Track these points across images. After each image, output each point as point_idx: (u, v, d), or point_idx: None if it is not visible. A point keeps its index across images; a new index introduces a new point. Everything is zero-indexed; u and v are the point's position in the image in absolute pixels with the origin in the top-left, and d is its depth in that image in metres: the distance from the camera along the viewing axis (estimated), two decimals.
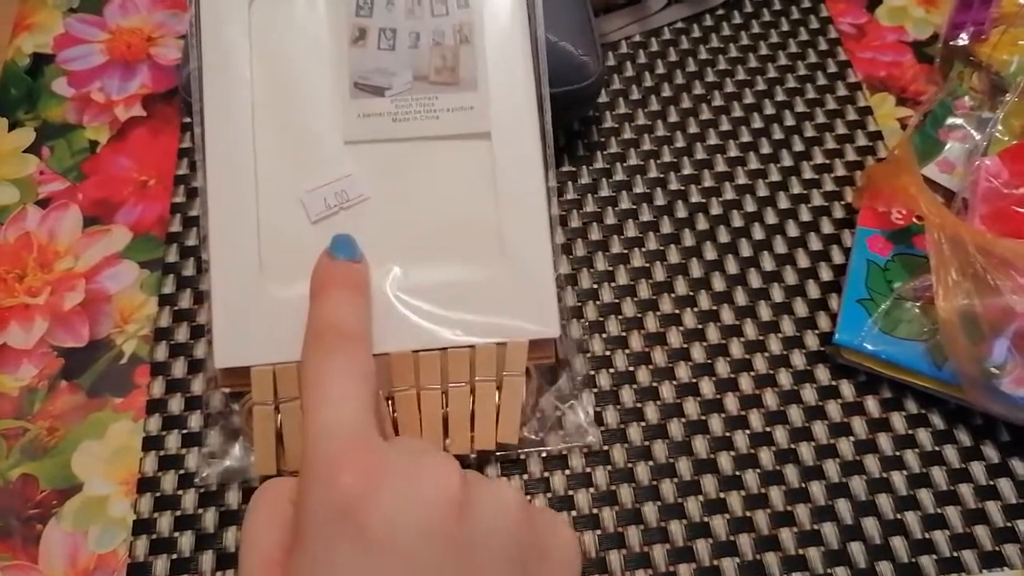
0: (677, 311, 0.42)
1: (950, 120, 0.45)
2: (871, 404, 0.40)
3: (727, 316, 0.42)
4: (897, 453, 0.39)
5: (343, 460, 0.24)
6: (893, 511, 0.37)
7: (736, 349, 0.41)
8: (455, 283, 0.36)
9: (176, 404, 0.39)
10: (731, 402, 0.40)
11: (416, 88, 0.37)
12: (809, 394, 0.40)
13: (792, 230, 0.45)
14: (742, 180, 0.47)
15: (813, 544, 0.36)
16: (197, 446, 0.38)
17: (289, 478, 0.27)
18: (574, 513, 0.37)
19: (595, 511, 0.37)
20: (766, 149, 0.48)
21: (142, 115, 0.48)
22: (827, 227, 0.45)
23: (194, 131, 0.37)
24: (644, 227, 0.45)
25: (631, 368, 0.41)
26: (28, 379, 0.40)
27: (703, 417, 0.39)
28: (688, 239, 0.45)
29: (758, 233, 0.45)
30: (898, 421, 0.39)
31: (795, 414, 0.40)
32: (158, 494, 0.37)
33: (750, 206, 0.46)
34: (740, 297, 0.43)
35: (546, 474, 0.38)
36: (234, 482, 0.37)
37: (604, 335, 0.41)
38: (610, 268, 0.43)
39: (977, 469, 0.38)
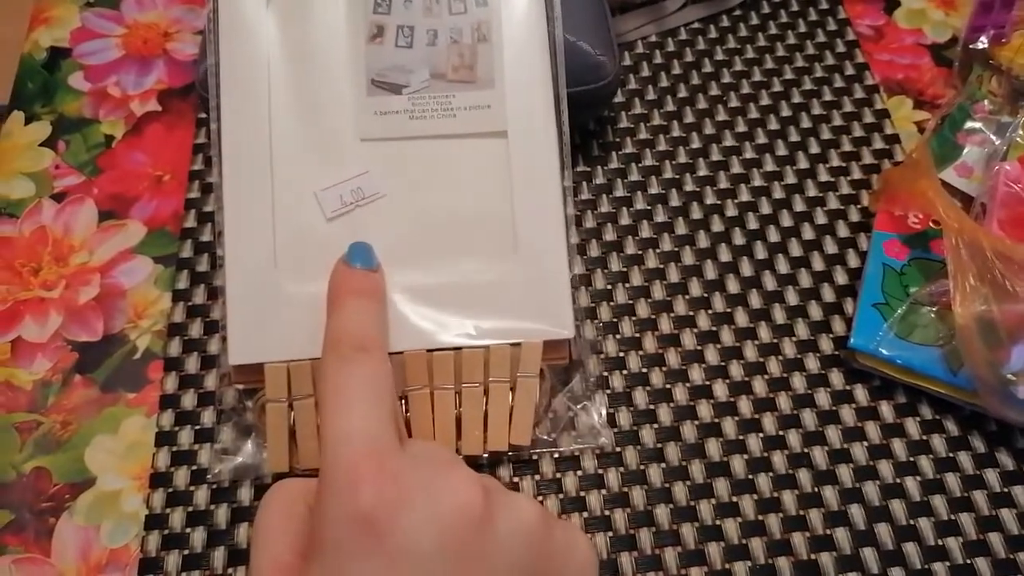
0: (691, 313, 0.42)
1: (968, 124, 0.45)
2: (885, 409, 0.40)
3: (741, 319, 0.42)
4: (911, 459, 0.38)
5: (363, 471, 0.24)
6: (906, 517, 0.37)
7: (750, 352, 0.41)
8: (470, 282, 0.36)
9: (189, 400, 0.39)
10: (745, 405, 0.40)
11: (433, 86, 0.37)
12: (823, 398, 0.40)
13: (808, 233, 0.45)
14: (758, 182, 0.46)
15: (825, 549, 0.36)
16: (210, 442, 0.38)
17: (302, 479, 0.27)
18: (586, 515, 0.37)
19: (607, 513, 0.37)
20: (782, 151, 0.48)
21: (157, 110, 0.48)
22: (843, 230, 0.45)
23: (210, 127, 0.37)
24: (659, 228, 0.45)
25: (645, 370, 0.40)
26: (42, 373, 0.40)
27: (716, 420, 0.39)
28: (703, 241, 0.44)
29: (773, 236, 0.45)
30: (912, 427, 0.39)
31: (809, 418, 0.39)
32: (171, 489, 0.37)
33: (765, 208, 0.45)
34: (755, 300, 0.43)
35: (558, 475, 0.38)
36: (247, 479, 0.37)
37: (618, 336, 0.41)
38: (624, 269, 0.43)
39: (991, 476, 0.38)
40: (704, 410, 0.39)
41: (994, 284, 0.37)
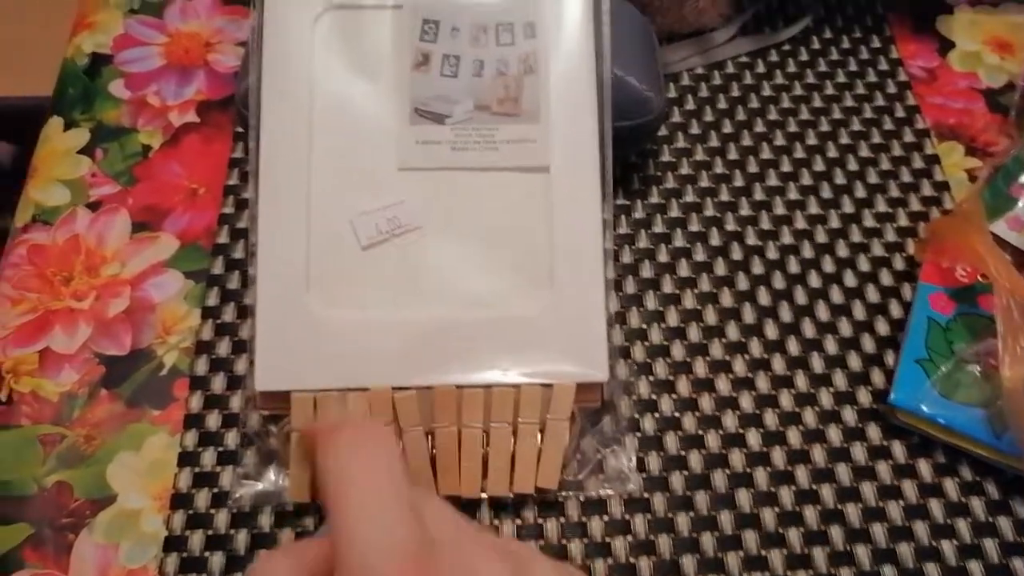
0: (727, 357, 0.41)
1: None
2: (924, 468, 0.39)
3: (778, 365, 0.41)
4: (948, 521, 0.37)
5: None
6: None
7: (786, 400, 0.40)
8: (504, 319, 0.35)
9: (214, 420, 0.39)
10: (778, 456, 0.39)
11: (477, 117, 0.37)
12: (859, 452, 0.39)
13: (850, 280, 0.44)
14: (801, 224, 0.45)
15: None
16: (232, 464, 0.37)
17: (289, 563, 0.25)
18: (610, 561, 0.36)
19: (632, 560, 0.36)
20: (827, 194, 0.46)
21: (196, 122, 0.48)
22: (886, 279, 0.44)
23: (249, 145, 0.37)
24: (698, 267, 0.44)
25: (677, 414, 0.40)
26: (69, 385, 0.40)
27: (748, 470, 0.38)
28: (742, 283, 0.43)
29: (814, 281, 0.44)
30: (951, 488, 0.38)
31: (843, 473, 0.38)
32: (191, 511, 0.37)
33: (807, 252, 0.44)
34: (792, 347, 0.42)
35: (584, 519, 0.37)
36: (268, 505, 0.36)
37: (651, 378, 0.40)
38: (661, 308, 0.42)
39: None
40: (736, 459, 0.38)
41: None
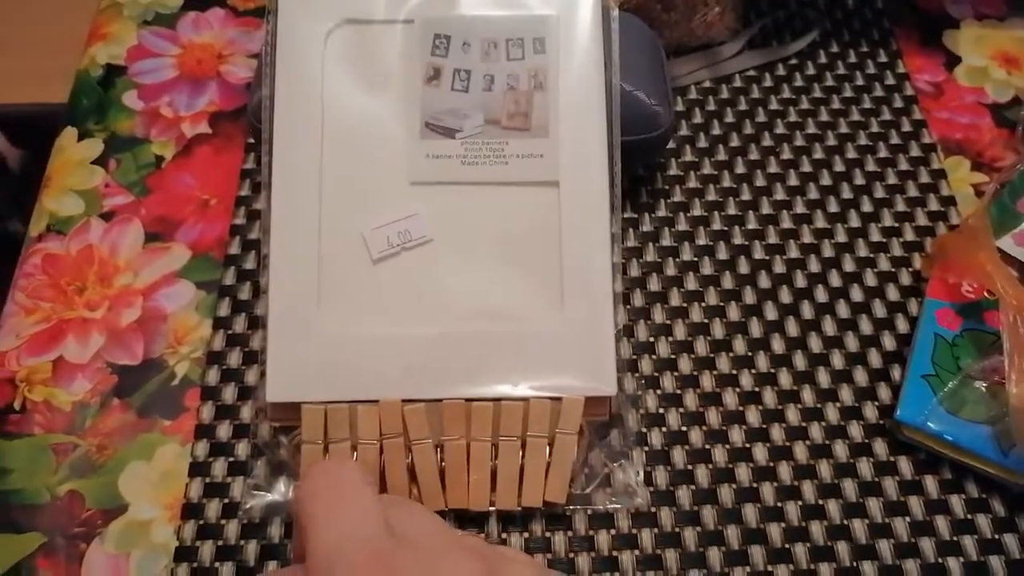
0: (734, 371, 0.41)
1: None
2: (930, 484, 0.39)
3: (785, 380, 0.41)
4: (955, 538, 0.37)
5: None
6: None
7: (792, 415, 0.40)
8: (512, 333, 0.36)
9: (224, 431, 0.39)
10: (784, 471, 0.39)
11: (487, 132, 0.37)
12: (865, 468, 0.39)
13: (856, 294, 0.44)
14: (807, 239, 0.46)
15: None
16: (243, 475, 0.38)
17: None
18: (617, 575, 0.36)
19: (639, 574, 0.36)
20: (833, 208, 0.47)
21: (208, 133, 0.49)
22: (893, 294, 0.44)
23: (262, 159, 0.37)
24: (705, 281, 0.44)
25: (684, 428, 0.40)
26: (81, 394, 0.40)
27: (755, 484, 0.38)
28: (749, 297, 0.44)
29: (821, 295, 0.44)
30: (957, 504, 0.38)
31: (850, 488, 0.38)
32: (201, 522, 0.37)
33: (814, 266, 0.45)
34: (799, 361, 0.42)
35: (591, 532, 0.37)
36: (278, 516, 0.37)
37: (659, 391, 0.41)
38: (668, 321, 0.43)
39: None
40: (743, 473, 0.39)
41: None
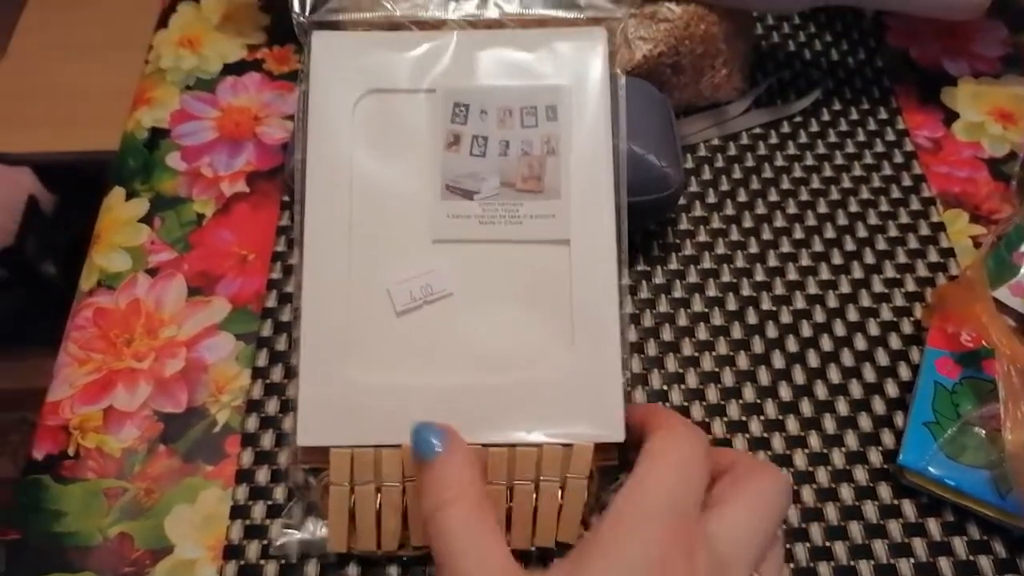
0: (744, 417, 0.43)
1: None
2: (933, 526, 0.40)
3: (792, 426, 0.43)
4: None
5: None
6: None
7: (800, 460, 0.42)
8: (526, 382, 0.37)
9: (263, 475, 0.41)
10: (792, 514, 0.41)
11: (503, 194, 0.39)
12: (871, 511, 0.41)
13: (860, 343, 0.46)
14: (813, 290, 0.48)
15: None
16: (279, 517, 0.40)
17: None
18: None
19: None
20: (837, 260, 0.49)
21: (245, 191, 0.52)
22: (895, 343, 0.46)
23: (295, 218, 0.40)
24: (715, 331, 0.46)
25: None
26: (130, 441, 0.43)
27: None
28: (758, 346, 0.46)
29: (826, 344, 0.46)
30: (960, 546, 0.40)
31: (856, 530, 0.40)
32: (242, 562, 0.39)
33: (819, 316, 0.47)
34: (806, 408, 0.44)
35: None
36: (308, 555, 0.39)
37: None
38: (680, 370, 0.45)
39: None
40: None
41: None
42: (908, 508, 0.41)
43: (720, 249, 0.50)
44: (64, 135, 1.10)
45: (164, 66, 0.58)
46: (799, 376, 0.45)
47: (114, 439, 0.43)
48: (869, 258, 0.49)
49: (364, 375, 0.38)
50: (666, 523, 0.28)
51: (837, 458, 0.42)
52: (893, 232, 0.50)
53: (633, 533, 0.28)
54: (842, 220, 0.51)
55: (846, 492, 0.41)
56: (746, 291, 0.48)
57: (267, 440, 0.43)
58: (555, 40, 0.40)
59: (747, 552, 0.29)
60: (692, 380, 0.45)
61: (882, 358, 0.45)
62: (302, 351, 0.38)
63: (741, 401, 0.44)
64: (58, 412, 0.43)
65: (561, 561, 0.29)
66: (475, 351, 0.38)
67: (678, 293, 0.48)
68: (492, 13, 0.41)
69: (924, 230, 0.50)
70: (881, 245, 0.50)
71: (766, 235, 0.50)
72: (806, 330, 0.46)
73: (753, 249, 0.50)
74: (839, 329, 0.47)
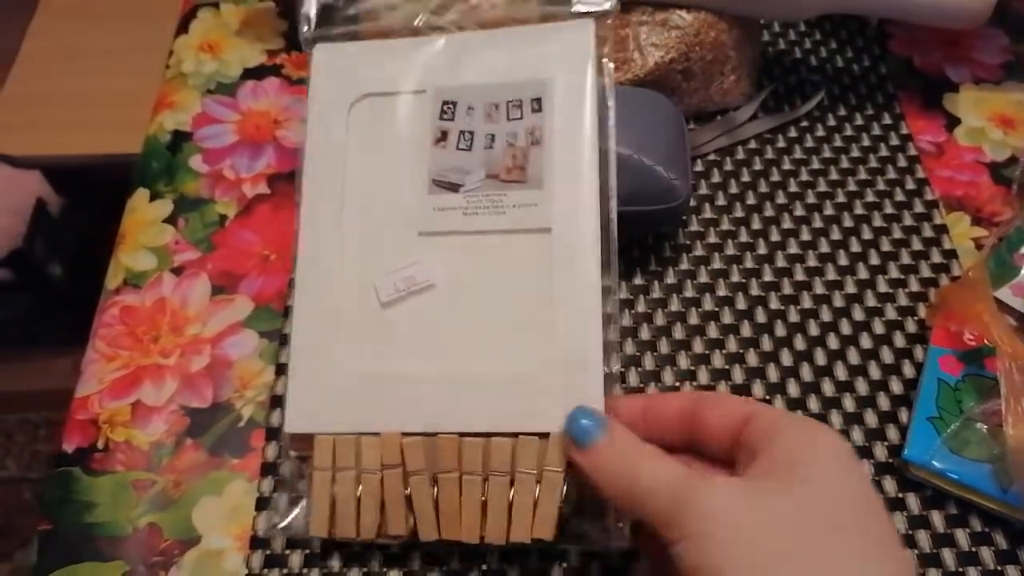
0: None
1: None
2: (936, 519, 0.42)
3: None
4: (960, 569, 0.40)
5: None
6: None
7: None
8: (506, 372, 0.37)
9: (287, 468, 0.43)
10: None
11: (487, 185, 0.39)
12: None
13: (865, 342, 0.47)
14: (819, 290, 0.49)
15: None
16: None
17: None
18: None
19: None
20: (843, 261, 0.50)
21: (266, 192, 0.53)
22: (900, 341, 0.47)
23: (296, 212, 0.41)
24: (725, 329, 0.48)
25: None
26: (158, 435, 0.44)
27: None
28: (767, 344, 0.47)
29: (833, 343, 0.47)
30: (962, 537, 0.41)
31: None
32: (268, 552, 0.40)
33: (826, 316, 0.48)
34: (813, 404, 0.45)
35: (585, 567, 0.40)
36: (296, 544, 0.40)
37: None
38: (692, 367, 0.46)
39: None
40: None
41: None
42: (912, 501, 0.42)
43: (729, 250, 0.51)
44: (72, 139, 1.11)
45: (185, 70, 0.59)
46: (807, 373, 0.46)
47: (142, 433, 0.44)
48: (874, 259, 0.51)
49: (350, 365, 0.38)
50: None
51: None
52: (897, 234, 0.52)
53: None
54: (847, 222, 0.52)
55: None
56: (755, 291, 0.49)
57: None
58: (543, 35, 0.41)
59: None
60: (703, 377, 0.46)
61: (887, 356, 0.47)
62: (292, 343, 0.39)
63: (751, 396, 0.45)
64: (87, 407, 0.45)
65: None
66: (456, 341, 0.38)
67: (689, 292, 0.49)
68: (484, 14, 0.42)
69: (927, 232, 0.52)
70: (885, 247, 0.51)
71: (774, 237, 0.51)
72: (813, 329, 0.48)
73: (761, 250, 0.51)
74: (845, 328, 0.48)
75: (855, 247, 0.51)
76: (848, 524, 0.28)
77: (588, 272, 0.38)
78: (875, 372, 0.46)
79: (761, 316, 0.48)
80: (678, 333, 0.48)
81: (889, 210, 0.53)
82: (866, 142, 0.56)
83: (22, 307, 1.26)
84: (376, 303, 0.39)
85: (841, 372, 0.46)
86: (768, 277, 0.50)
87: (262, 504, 0.42)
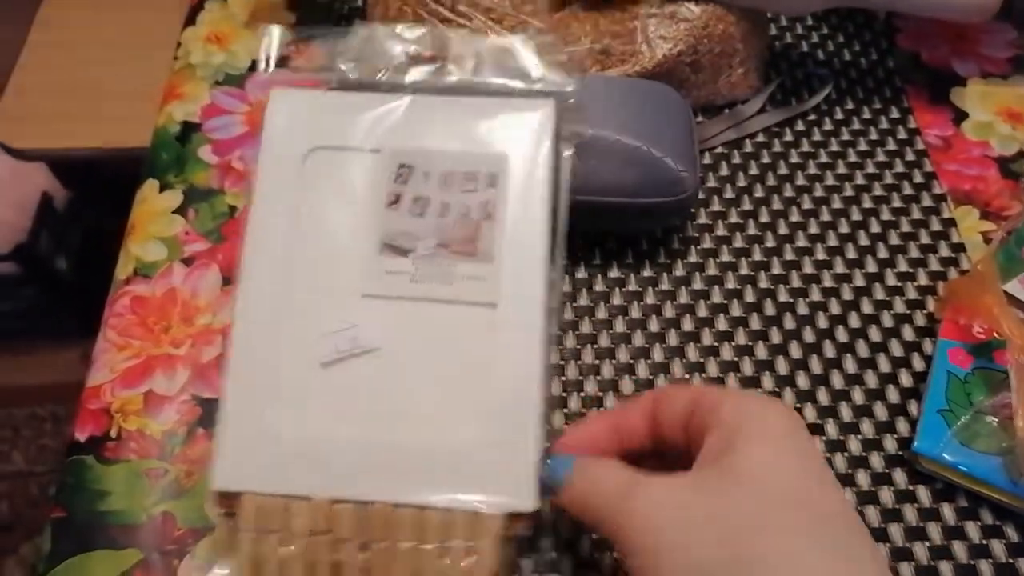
0: None
1: None
2: (947, 511, 0.42)
3: (810, 414, 0.45)
4: (971, 562, 0.40)
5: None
6: None
7: (818, 446, 0.44)
8: (443, 444, 0.36)
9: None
10: None
11: (438, 254, 0.39)
12: (887, 496, 0.42)
13: (875, 335, 0.47)
14: (828, 283, 0.49)
15: None
16: None
17: None
18: None
19: None
20: (852, 254, 0.51)
21: None
22: (908, 334, 0.47)
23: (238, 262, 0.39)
24: (734, 322, 0.48)
25: None
26: (170, 424, 0.44)
27: None
28: (776, 336, 0.47)
29: (842, 336, 0.47)
30: (973, 530, 0.41)
31: (872, 515, 0.42)
32: None
33: (835, 309, 0.48)
34: (823, 397, 0.45)
35: None
36: None
37: None
38: (701, 359, 0.47)
39: None
40: None
41: None
42: (923, 493, 0.42)
43: (737, 243, 0.51)
44: (78, 132, 1.11)
45: (194, 62, 0.59)
46: (816, 366, 0.46)
47: (154, 422, 0.44)
48: (882, 253, 0.51)
49: (283, 424, 0.37)
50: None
51: (854, 445, 0.44)
52: (905, 228, 0.52)
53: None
54: (856, 216, 0.52)
55: (863, 478, 0.43)
56: (763, 283, 0.49)
57: None
58: (504, 110, 0.40)
59: None
60: (712, 369, 0.46)
61: (896, 349, 0.47)
62: (225, 396, 0.37)
63: (760, 390, 0.45)
64: (99, 396, 0.45)
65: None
66: (394, 409, 0.37)
67: (697, 285, 0.49)
68: (448, 79, 0.41)
69: (935, 226, 0.52)
70: (894, 240, 0.51)
71: (782, 230, 0.52)
72: (822, 321, 0.48)
73: (769, 243, 0.51)
74: (854, 321, 0.48)
75: (863, 240, 0.51)
76: (788, 499, 0.28)
77: (531, 351, 0.37)
78: (884, 365, 0.46)
79: (770, 309, 0.48)
80: (687, 325, 0.48)
81: (897, 204, 0.53)
82: (874, 136, 0.56)
83: (27, 301, 1.26)
84: (315, 363, 0.38)
85: (850, 365, 0.46)
86: (776, 270, 0.50)
87: None
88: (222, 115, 0.57)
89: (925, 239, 0.51)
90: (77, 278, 1.25)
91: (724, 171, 0.54)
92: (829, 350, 0.47)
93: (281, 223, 0.40)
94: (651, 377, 0.46)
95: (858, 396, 0.45)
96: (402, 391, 0.38)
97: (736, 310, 0.48)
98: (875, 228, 0.52)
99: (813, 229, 0.52)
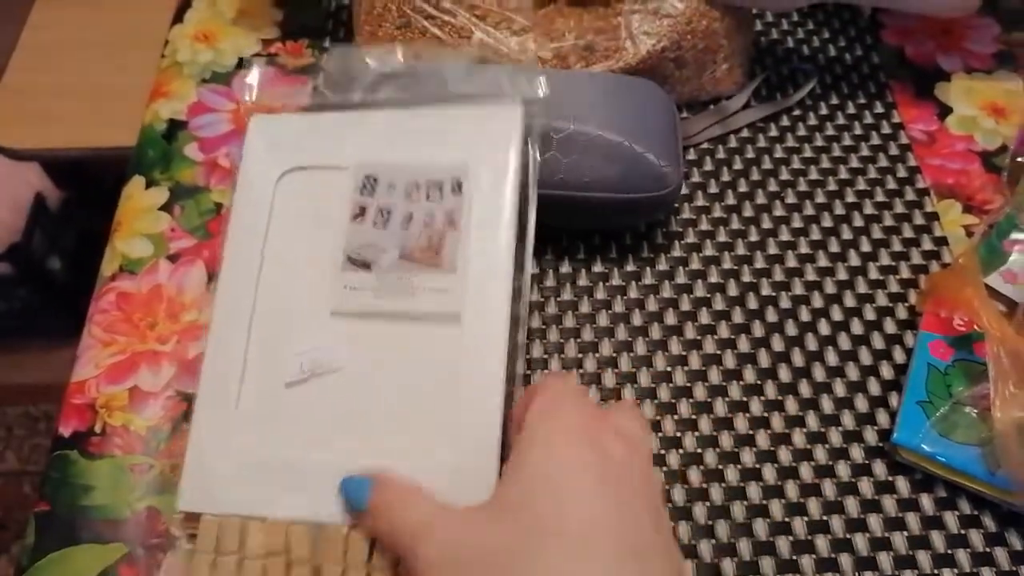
0: (744, 398, 0.45)
1: (1015, 234, 0.48)
2: (926, 502, 0.42)
3: (791, 407, 0.45)
4: (949, 551, 0.41)
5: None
6: None
7: (798, 439, 0.44)
8: (401, 465, 0.35)
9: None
10: (790, 489, 0.42)
11: (401, 266, 0.38)
12: (866, 487, 0.43)
13: (856, 328, 0.48)
14: (811, 277, 0.50)
15: None
16: None
17: None
18: None
19: None
20: (834, 248, 0.51)
21: None
22: (890, 327, 0.48)
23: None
24: (717, 316, 0.48)
25: (699, 450, 0.44)
26: (155, 419, 0.44)
27: (764, 502, 0.42)
28: (758, 330, 0.48)
29: (824, 329, 0.48)
30: (951, 520, 0.42)
31: (852, 505, 0.42)
32: None
33: (817, 302, 0.49)
34: (804, 389, 0.46)
35: None
36: None
37: (675, 416, 0.45)
38: (683, 353, 0.47)
39: None
40: (753, 491, 0.42)
41: None
42: (902, 484, 0.43)
43: (721, 237, 0.51)
44: (72, 132, 1.11)
45: (181, 59, 0.59)
46: (797, 359, 0.47)
47: (139, 417, 0.44)
48: (865, 246, 0.51)
49: (247, 446, 0.37)
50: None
51: (834, 437, 0.44)
52: (888, 221, 0.52)
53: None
54: (839, 210, 0.52)
55: (842, 469, 0.43)
56: (746, 278, 0.50)
57: None
58: (472, 117, 0.40)
59: None
60: (695, 362, 0.46)
61: (877, 342, 0.47)
62: (195, 417, 0.38)
63: (742, 382, 0.46)
64: (84, 391, 0.45)
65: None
66: (354, 429, 0.37)
67: (680, 279, 0.50)
68: (418, 92, 0.41)
69: (918, 219, 0.52)
70: (877, 234, 0.51)
71: (765, 224, 0.52)
72: (804, 315, 0.48)
73: (753, 237, 0.51)
74: (836, 314, 0.48)
75: (846, 234, 0.51)
76: (547, 528, 0.28)
77: (494, 365, 0.36)
78: (866, 358, 0.47)
79: (752, 303, 0.49)
80: (670, 319, 0.48)
81: (880, 198, 0.53)
82: (858, 131, 0.56)
83: (21, 301, 1.26)
84: (280, 383, 0.38)
85: (832, 358, 0.47)
86: (759, 264, 0.50)
87: None
88: (208, 113, 0.57)
89: (908, 233, 0.52)
90: (70, 278, 1.25)
91: (708, 166, 0.54)
92: (811, 343, 0.47)
93: (253, 245, 0.40)
94: (634, 370, 0.46)
95: (839, 389, 0.46)
96: (363, 411, 0.37)
97: (719, 304, 0.49)
98: (858, 222, 0.52)
99: (796, 224, 0.52)
